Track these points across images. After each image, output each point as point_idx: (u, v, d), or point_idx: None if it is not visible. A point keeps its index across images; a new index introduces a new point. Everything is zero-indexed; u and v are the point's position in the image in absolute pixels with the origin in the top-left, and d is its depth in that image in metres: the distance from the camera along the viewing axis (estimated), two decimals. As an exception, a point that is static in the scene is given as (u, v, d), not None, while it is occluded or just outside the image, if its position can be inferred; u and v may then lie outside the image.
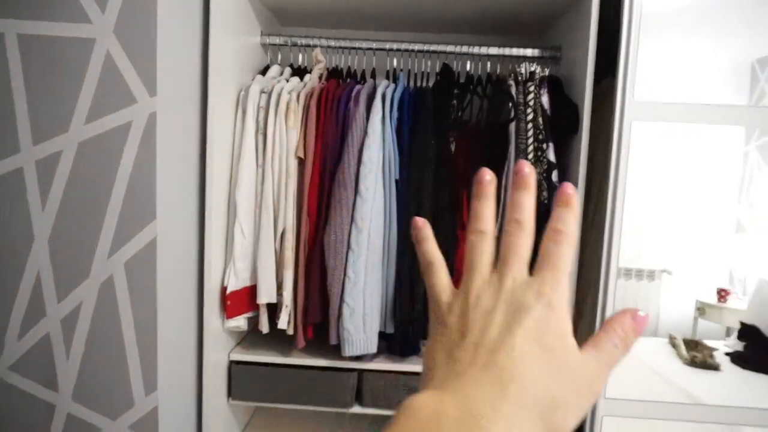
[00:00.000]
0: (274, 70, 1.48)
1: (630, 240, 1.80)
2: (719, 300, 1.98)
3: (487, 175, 0.38)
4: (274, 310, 1.38)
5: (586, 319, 1.41)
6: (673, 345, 1.81)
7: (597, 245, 1.32)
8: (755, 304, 1.92)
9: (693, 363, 1.70)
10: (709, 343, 1.80)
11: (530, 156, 1.33)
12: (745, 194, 1.90)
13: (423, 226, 0.40)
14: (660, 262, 2.00)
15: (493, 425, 0.27)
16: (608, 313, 1.30)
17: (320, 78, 1.48)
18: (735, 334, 1.90)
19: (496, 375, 0.30)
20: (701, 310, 2.01)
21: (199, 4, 1.24)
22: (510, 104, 1.36)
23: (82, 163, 1.08)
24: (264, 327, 1.37)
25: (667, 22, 1.35)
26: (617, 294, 1.94)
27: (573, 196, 0.37)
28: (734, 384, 1.61)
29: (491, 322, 0.33)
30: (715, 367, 1.67)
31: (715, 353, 1.73)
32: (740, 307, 1.93)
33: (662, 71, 1.35)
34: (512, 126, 1.36)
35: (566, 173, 1.38)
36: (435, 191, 1.33)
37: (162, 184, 1.10)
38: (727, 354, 1.74)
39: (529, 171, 0.37)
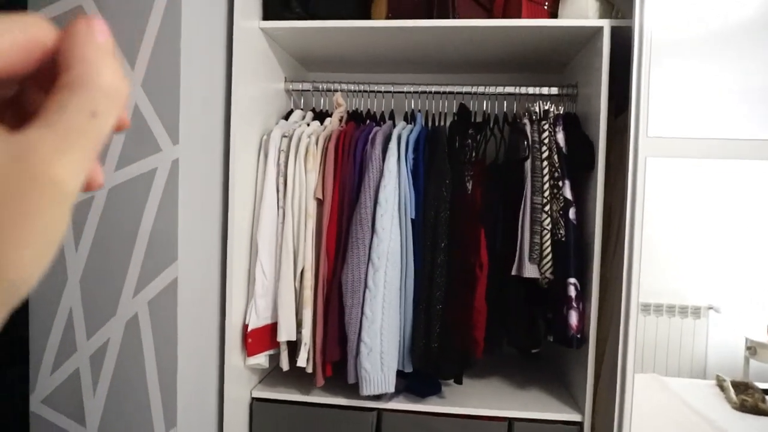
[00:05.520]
0: (297, 114, 1.55)
1: (672, 275, 1.75)
2: (772, 339, 1.88)
3: None
4: (295, 347, 1.41)
5: (609, 360, 1.36)
6: (721, 388, 1.72)
7: (618, 281, 1.29)
8: (810, 344, 1.81)
9: (743, 407, 1.61)
10: (760, 385, 1.70)
11: (546, 193, 1.33)
12: (788, 225, 1.82)
13: None
14: (706, 298, 1.92)
15: None
16: (630, 351, 1.26)
17: (340, 121, 1.53)
18: (789, 376, 1.79)
19: None
20: (752, 349, 1.91)
21: (223, 56, 1.33)
22: (525, 142, 1.37)
23: (112, 208, 1.15)
24: (284, 364, 1.39)
25: (686, 53, 1.34)
26: (660, 332, 1.87)
27: None
28: (786, 431, 1.51)
29: None
30: (767, 412, 1.58)
31: (767, 397, 1.64)
32: (795, 346, 1.83)
33: (683, 104, 1.33)
34: (528, 164, 1.36)
35: (584, 210, 1.37)
36: (450, 230, 1.35)
37: (184, 226, 1.16)
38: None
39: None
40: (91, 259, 1.17)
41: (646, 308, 1.89)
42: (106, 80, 0.22)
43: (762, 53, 1.22)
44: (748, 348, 1.91)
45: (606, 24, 1.30)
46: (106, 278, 1.17)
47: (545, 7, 1.41)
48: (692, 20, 1.29)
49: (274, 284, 1.38)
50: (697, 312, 1.94)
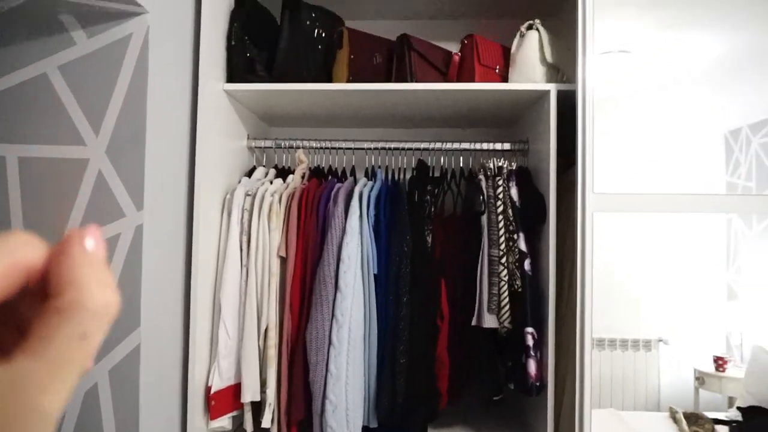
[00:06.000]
0: (260, 171, 1.57)
1: (624, 310, 1.82)
2: (717, 369, 1.97)
3: None
4: (259, 408, 1.39)
5: (568, 397, 1.41)
6: (674, 419, 1.79)
7: (573, 323, 1.35)
8: (753, 372, 1.90)
9: (695, 438, 1.67)
10: (710, 414, 1.77)
11: (502, 246, 1.39)
12: (732, 260, 1.94)
13: None
14: (655, 331, 2.01)
15: None
16: (587, 387, 1.30)
17: (303, 178, 1.57)
18: (736, 404, 1.88)
19: None
20: (700, 379, 1.99)
21: (187, 119, 1.35)
22: (481, 197, 1.44)
23: (72, 275, 1.13)
24: (248, 426, 1.38)
25: (629, 112, 1.45)
26: (615, 365, 1.94)
27: None
28: (738, 460, 1.58)
29: None
30: (717, 443, 1.64)
31: (716, 427, 1.71)
32: (739, 376, 1.92)
33: (627, 160, 1.44)
34: (484, 218, 1.42)
35: (538, 261, 1.43)
36: (412, 284, 1.38)
37: (147, 292, 1.15)
38: (726, 423, 1.71)
39: None
40: (48, 327, 1.14)
41: (600, 343, 1.96)
42: (97, 303, 0.22)
43: (701, 106, 1.34)
44: (697, 378, 1.99)
45: (552, 87, 1.39)
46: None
47: (496, 71, 1.50)
48: (632, 82, 1.40)
49: (237, 344, 1.38)
50: (648, 345, 2.02)
